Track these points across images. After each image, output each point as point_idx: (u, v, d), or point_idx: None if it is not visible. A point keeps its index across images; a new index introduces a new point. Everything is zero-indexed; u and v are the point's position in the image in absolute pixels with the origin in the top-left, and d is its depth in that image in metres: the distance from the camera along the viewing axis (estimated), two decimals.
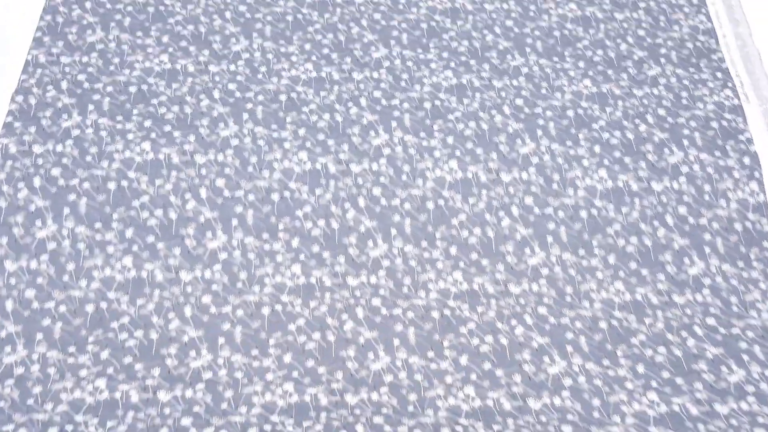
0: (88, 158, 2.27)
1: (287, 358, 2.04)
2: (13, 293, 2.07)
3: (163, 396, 1.95)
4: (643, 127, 2.50)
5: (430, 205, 2.31)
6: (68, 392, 1.93)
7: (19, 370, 1.95)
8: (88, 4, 2.62)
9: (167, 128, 2.36)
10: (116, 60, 2.50)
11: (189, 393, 1.95)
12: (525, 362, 2.07)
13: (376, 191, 2.32)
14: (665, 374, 2.08)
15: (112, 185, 2.24)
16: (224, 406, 1.96)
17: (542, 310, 2.17)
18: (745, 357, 2.12)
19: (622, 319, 2.17)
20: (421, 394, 2.01)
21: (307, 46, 2.61)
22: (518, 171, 2.39)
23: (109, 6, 2.62)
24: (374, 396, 2.00)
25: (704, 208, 2.36)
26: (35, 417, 1.90)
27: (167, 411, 1.93)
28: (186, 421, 1.92)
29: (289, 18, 2.68)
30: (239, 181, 2.29)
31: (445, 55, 2.63)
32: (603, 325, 2.15)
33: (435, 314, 2.14)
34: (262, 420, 1.95)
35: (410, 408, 1.99)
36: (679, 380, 2.07)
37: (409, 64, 2.59)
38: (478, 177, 2.37)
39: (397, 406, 1.99)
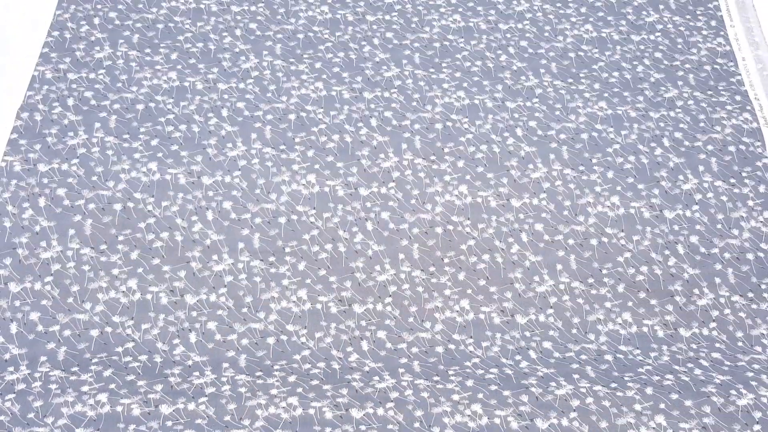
0: (94, 178, 2.25)
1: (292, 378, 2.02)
2: (17, 316, 2.05)
3: (165, 409, 1.92)
4: (658, 151, 2.46)
5: (439, 230, 2.28)
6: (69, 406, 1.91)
7: (21, 386, 1.94)
8: (96, 20, 2.59)
9: (174, 147, 2.33)
10: (124, 77, 2.47)
11: (191, 405, 1.93)
12: (532, 386, 2.04)
13: (385, 215, 2.29)
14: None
15: (117, 206, 2.21)
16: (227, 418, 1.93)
17: (547, 344, 2.14)
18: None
19: (627, 352, 2.13)
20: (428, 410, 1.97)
21: (318, 65, 2.57)
22: (529, 197, 2.35)
23: (117, 22, 2.60)
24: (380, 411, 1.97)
25: (716, 237, 2.32)
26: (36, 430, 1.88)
27: (169, 423, 1.90)
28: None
29: (300, 36, 2.64)
30: (246, 204, 2.26)
31: (457, 75, 2.59)
32: (608, 357, 2.12)
33: (439, 349, 2.12)
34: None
35: (416, 425, 1.96)
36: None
37: (421, 83, 2.56)
38: (488, 202, 2.33)
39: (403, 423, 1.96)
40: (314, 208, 2.27)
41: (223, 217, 2.23)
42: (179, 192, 2.26)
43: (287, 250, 2.21)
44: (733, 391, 2.04)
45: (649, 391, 2.02)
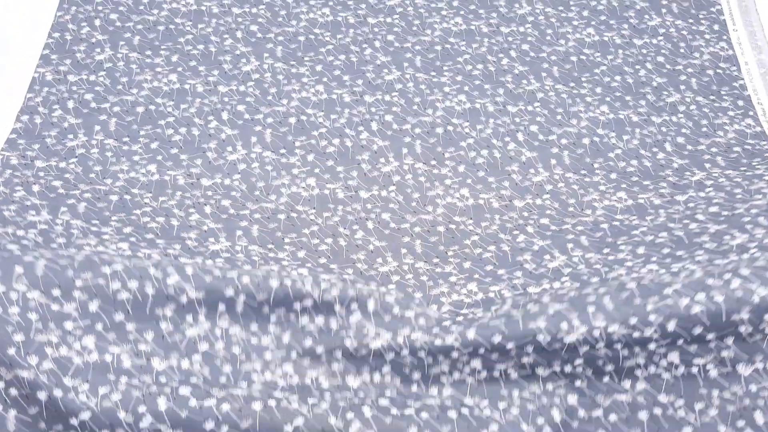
0: (92, 175, 2.23)
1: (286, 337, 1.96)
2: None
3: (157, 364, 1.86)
4: (660, 155, 2.44)
5: (441, 228, 2.25)
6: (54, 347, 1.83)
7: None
8: (97, 22, 2.59)
9: (174, 150, 2.32)
10: (124, 79, 2.47)
11: (185, 364, 1.87)
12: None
13: (385, 215, 2.27)
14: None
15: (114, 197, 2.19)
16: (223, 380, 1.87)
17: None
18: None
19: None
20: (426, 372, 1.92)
21: (319, 68, 2.57)
22: (532, 198, 2.33)
23: (118, 24, 2.60)
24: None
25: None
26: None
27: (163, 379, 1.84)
28: (185, 391, 1.85)
29: (301, 38, 2.64)
30: (245, 203, 2.24)
31: (459, 78, 2.59)
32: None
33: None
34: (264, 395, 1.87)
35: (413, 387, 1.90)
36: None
37: (422, 87, 2.55)
38: (490, 203, 2.31)
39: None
40: (314, 208, 2.25)
41: (221, 212, 2.21)
42: (177, 191, 2.24)
43: (287, 240, 2.17)
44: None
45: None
